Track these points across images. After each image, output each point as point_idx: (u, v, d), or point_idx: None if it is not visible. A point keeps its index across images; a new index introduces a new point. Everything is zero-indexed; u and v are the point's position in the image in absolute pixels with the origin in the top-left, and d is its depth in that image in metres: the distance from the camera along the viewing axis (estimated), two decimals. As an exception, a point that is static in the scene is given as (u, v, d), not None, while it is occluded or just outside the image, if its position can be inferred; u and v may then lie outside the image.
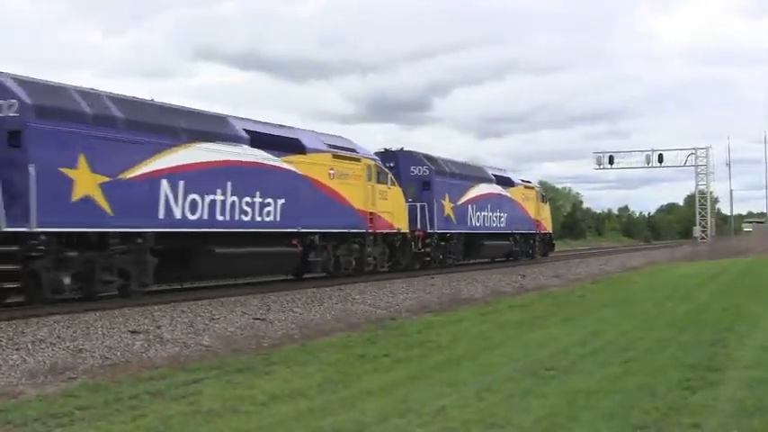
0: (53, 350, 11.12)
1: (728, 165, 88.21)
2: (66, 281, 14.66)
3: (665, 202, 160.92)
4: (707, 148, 79.25)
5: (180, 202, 16.76)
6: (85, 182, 14.62)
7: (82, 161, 14.56)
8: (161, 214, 16.35)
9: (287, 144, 20.61)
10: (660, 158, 79.58)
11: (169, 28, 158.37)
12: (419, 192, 27.82)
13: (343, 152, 23.23)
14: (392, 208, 25.25)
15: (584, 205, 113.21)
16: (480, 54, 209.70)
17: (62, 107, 14.49)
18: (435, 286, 23.06)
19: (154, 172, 16.16)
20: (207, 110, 19.60)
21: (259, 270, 20.79)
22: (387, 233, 25.20)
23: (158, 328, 13.33)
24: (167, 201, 16.49)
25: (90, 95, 15.52)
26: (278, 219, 19.68)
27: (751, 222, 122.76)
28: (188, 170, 16.97)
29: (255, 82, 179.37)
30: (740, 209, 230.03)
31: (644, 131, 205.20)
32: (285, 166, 20.24)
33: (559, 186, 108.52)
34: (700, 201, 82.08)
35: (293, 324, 14.84)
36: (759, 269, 30.74)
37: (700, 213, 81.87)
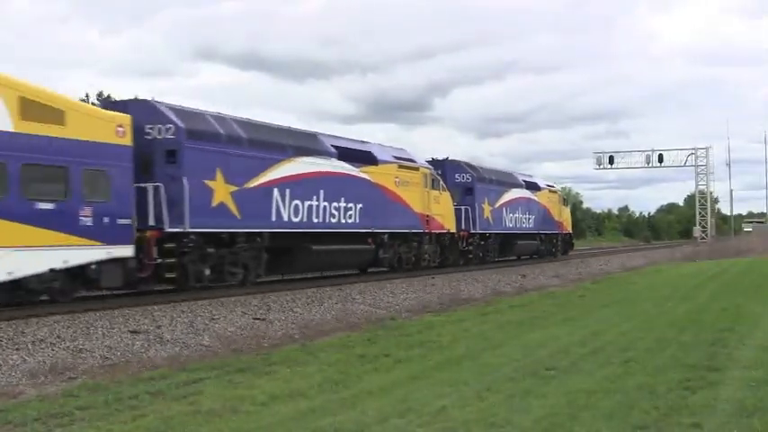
0: (53, 350, 11.12)
1: (728, 165, 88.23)
2: (207, 272, 17.90)
3: (665, 202, 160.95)
4: (707, 148, 79.29)
5: (287, 207, 20.11)
6: (221, 191, 17.95)
7: (218, 174, 17.87)
8: (273, 217, 19.68)
9: (363, 157, 24.23)
10: (660, 158, 79.60)
11: (169, 28, 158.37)
12: (462, 196, 31.29)
13: (406, 162, 26.83)
14: (443, 211, 28.78)
15: (584, 205, 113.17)
16: (480, 54, 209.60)
17: (204, 130, 17.84)
18: (435, 286, 23.06)
19: (268, 182, 19.51)
20: (303, 129, 23.22)
21: (343, 264, 24.38)
22: (439, 233, 28.69)
23: (158, 328, 13.32)
24: (278, 206, 19.81)
25: (221, 119, 18.88)
26: (357, 221, 23.15)
27: (751, 222, 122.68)
28: (292, 180, 20.34)
29: (255, 82, 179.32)
30: (740, 209, 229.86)
31: (644, 131, 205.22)
32: (362, 175, 23.84)
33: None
34: (700, 201, 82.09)
35: (293, 324, 14.84)
36: (759, 269, 30.73)
37: (700, 213, 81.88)
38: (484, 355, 10.60)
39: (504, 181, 36.26)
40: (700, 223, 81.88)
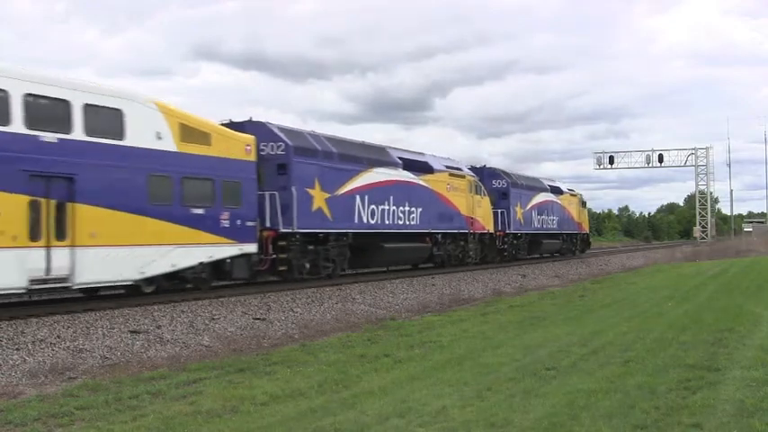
0: (53, 350, 11.13)
1: (728, 165, 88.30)
2: (307, 266, 21.40)
3: (665, 202, 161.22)
4: (707, 148, 79.33)
5: (365, 210, 23.80)
6: (318, 198, 21.52)
7: (316, 183, 21.46)
8: (356, 219, 23.32)
9: (422, 166, 27.89)
10: (660, 158, 79.63)
11: (169, 27, 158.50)
12: (498, 200, 35.01)
13: (454, 170, 30.59)
14: (484, 213, 32.62)
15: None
16: (480, 54, 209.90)
17: (306, 147, 21.50)
18: (435, 286, 23.07)
19: (352, 189, 23.19)
20: (374, 143, 26.95)
21: (406, 260, 27.89)
22: (481, 233, 32.52)
23: (158, 328, 13.32)
24: (359, 210, 23.49)
25: (316, 136, 22.75)
26: (418, 222, 26.80)
27: (751, 222, 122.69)
28: (369, 188, 24.05)
29: (255, 82, 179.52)
30: (740, 209, 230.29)
31: (644, 131, 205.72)
32: (422, 183, 27.50)
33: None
34: (700, 201, 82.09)
35: (293, 324, 14.84)
36: (759, 269, 30.73)
37: (700, 213, 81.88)
38: (484, 355, 10.60)
39: (533, 186, 39.95)
40: (700, 223, 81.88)
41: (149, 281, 16.70)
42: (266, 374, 9.54)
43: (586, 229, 50.48)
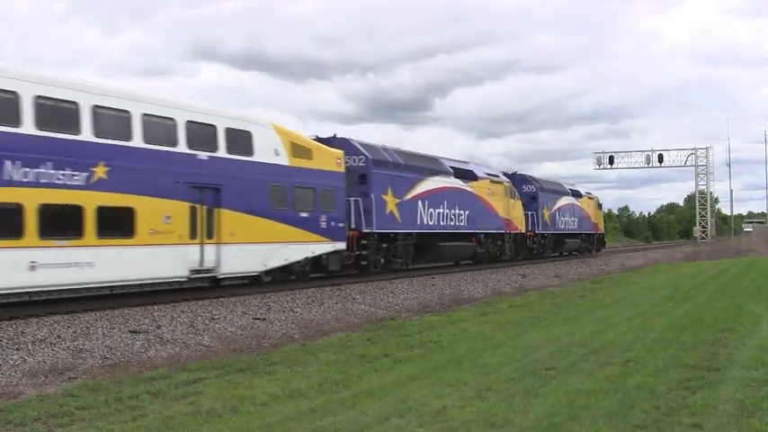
0: (53, 350, 11.12)
1: (728, 165, 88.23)
2: (381, 261, 25.46)
3: (665, 202, 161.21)
4: (707, 148, 79.32)
5: (425, 213, 27.84)
6: (390, 203, 25.69)
7: (389, 190, 25.60)
8: (418, 221, 27.40)
9: (468, 174, 32.17)
10: (660, 158, 79.61)
11: (169, 27, 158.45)
12: (528, 203, 38.93)
13: (494, 177, 35.04)
14: (517, 215, 36.57)
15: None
16: (480, 54, 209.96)
17: (381, 159, 25.64)
18: (435, 286, 23.06)
19: (415, 195, 27.28)
20: (429, 153, 31.12)
21: (455, 257, 32.27)
22: (515, 233, 36.60)
23: (158, 328, 13.32)
24: (421, 213, 27.53)
25: (387, 150, 26.81)
26: (466, 224, 30.97)
27: (751, 222, 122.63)
28: (428, 194, 28.09)
29: (255, 82, 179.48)
30: (740, 209, 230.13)
31: (644, 131, 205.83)
32: (468, 188, 31.57)
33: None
34: (700, 201, 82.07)
35: (293, 324, 14.84)
36: (759, 269, 30.73)
37: (700, 213, 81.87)
38: (484, 355, 10.59)
39: (557, 190, 44.15)
40: (700, 223, 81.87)
41: (268, 272, 20.33)
42: (266, 374, 9.54)
43: (602, 229, 54.84)
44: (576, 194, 47.28)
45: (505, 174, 38.22)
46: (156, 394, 8.46)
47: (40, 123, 14.29)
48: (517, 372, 9.17)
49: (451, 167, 30.94)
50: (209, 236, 17.75)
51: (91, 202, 15.05)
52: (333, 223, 22.26)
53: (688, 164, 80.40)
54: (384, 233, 25.36)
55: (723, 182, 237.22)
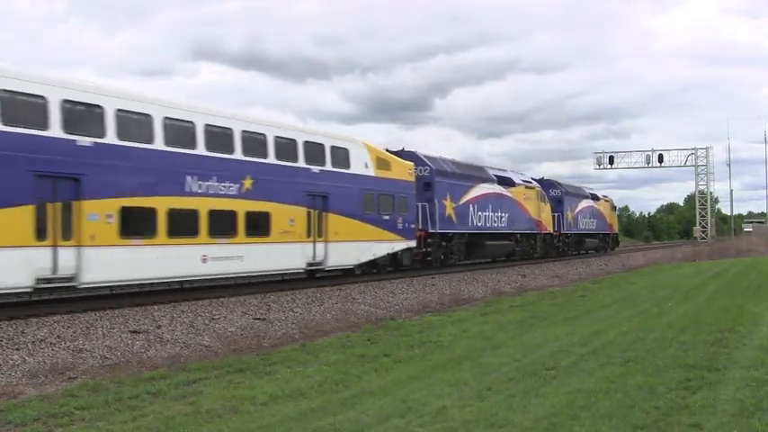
0: (53, 350, 11.12)
1: (728, 165, 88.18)
2: (441, 257, 29.78)
3: (665, 202, 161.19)
4: (707, 148, 79.33)
5: (475, 216, 32.43)
6: (449, 207, 30.00)
7: (448, 196, 30.01)
8: (470, 223, 31.99)
9: (507, 180, 36.82)
10: (660, 158, 79.61)
11: (169, 27, 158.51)
12: (555, 206, 43.41)
13: (527, 183, 39.79)
14: (546, 217, 41.43)
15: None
16: (480, 54, 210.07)
17: (442, 169, 30.18)
18: (435, 286, 23.06)
19: (467, 200, 31.80)
20: (477, 162, 37.67)
21: (499, 254, 36.71)
22: (545, 233, 41.43)
23: (158, 328, 13.32)
24: (471, 216, 32.12)
25: (445, 160, 31.45)
26: (506, 225, 35.67)
27: (751, 222, 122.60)
28: (477, 199, 32.73)
29: (255, 82, 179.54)
30: (740, 209, 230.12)
31: (644, 131, 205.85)
32: (508, 194, 36.23)
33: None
34: (700, 201, 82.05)
35: (293, 324, 14.84)
36: (759, 269, 30.73)
37: (700, 213, 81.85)
38: (484, 355, 10.59)
39: (579, 194, 48.91)
40: (700, 223, 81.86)
41: (359, 266, 24.25)
42: (266, 374, 9.54)
43: (616, 229, 59.87)
44: (595, 198, 52.20)
45: (535, 179, 42.71)
46: (156, 394, 8.45)
47: (209, 146, 18.13)
48: (517, 372, 9.17)
49: (495, 175, 35.82)
50: (320, 235, 21.89)
51: (242, 207, 18.97)
52: (406, 224, 26.46)
53: (688, 164, 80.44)
54: (444, 233, 29.87)
55: (723, 182, 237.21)
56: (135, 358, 11.14)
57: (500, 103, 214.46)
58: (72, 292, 15.49)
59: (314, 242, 21.60)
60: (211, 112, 18.74)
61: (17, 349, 10.99)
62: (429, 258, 28.84)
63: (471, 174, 33.38)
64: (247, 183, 19.14)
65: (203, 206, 17.72)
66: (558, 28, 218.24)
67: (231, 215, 18.61)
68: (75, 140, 15.02)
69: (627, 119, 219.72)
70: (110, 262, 15.44)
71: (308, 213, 21.33)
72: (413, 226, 26.87)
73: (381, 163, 25.38)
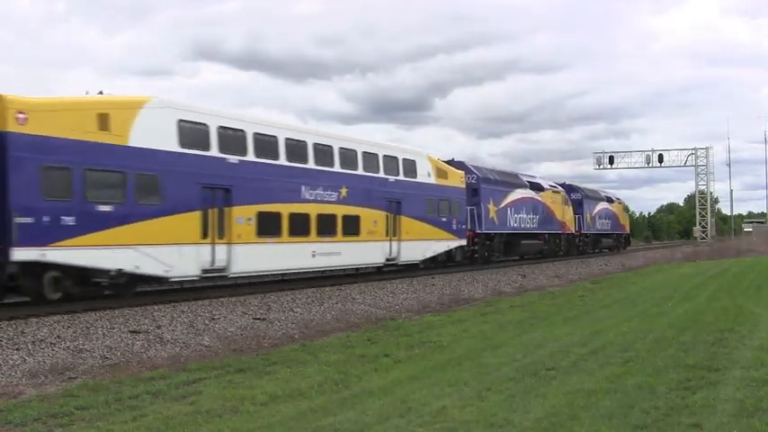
0: (53, 350, 11.12)
1: (728, 165, 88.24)
2: (485, 254, 33.92)
3: (665, 202, 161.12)
4: (707, 148, 79.34)
5: (512, 218, 36.66)
6: (491, 210, 34.18)
7: (491, 200, 34.17)
8: (508, 224, 36.18)
9: (537, 186, 41.29)
10: (660, 158, 79.61)
11: (169, 27, 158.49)
12: (576, 208, 47.47)
13: (554, 188, 44.21)
14: (569, 219, 45.77)
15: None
16: (480, 54, 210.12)
17: (487, 177, 34.51)
18: (435, 286, 23.06)
19: (506, 204, 36.01)
20: (512, 170, 42.82)
21: (531, 252, 40.18)
22: (568, 234, 45.73)
23: (158, 328, 13.32)
24: (509, 218, 36.33)
25: (489, 170, 36.33)
26: (537, 226, 40.08)
27: (751, 222, 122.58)
28: (514, 203, 37.07)
29: (255, 82, 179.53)
30: (740, 209, 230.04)
31: (644, 131, 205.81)
32: (538, 198, 40.57)
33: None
34: (700, 201, 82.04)
35: (293, 324, 14.83)
36: (759, 269, 30.72)
37: (700, 213, 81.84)
38: (484, 355, 10.59)
39: (596, 197, 53.16)
40: (700, 223, 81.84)
41: (423, 261, 28.13)
42: (266, 374, 9.54)
43: (628, 230, 63.76)
44: (610, 200, 56.53)
45: (558, 184, 46.79)
46: (156, 394, 8.45)
47: (316, 161, 22.13)
48: (517, 372, 9.17)
49: (527, 181, 40.22)
50: (394, 234, 26.00)
51: (340, 212, 23.00)
52: (459, 226, 30.45)
53: (688, 164, 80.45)
54: (487, 233, 34.15)
55: (723, 182, 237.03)
56: (135, 358, 11.14)
57: (500, 103, 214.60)
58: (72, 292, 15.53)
59: (390, 241, 25.85)
60: (318, 132, 23.45)
61: (17, 349, 10.99)
62: (476, 255, 33.03)
63: (509, 180, 37.81)
64: (344, 191, 23.28)
65: (313, 211, 21.86)
66: (558, 28, 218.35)
67: (332, 218, 22.71)
68: (226, 158, 18.78)
69: (627, 119, 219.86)
70: (250, 256, 19.18)
71: (386, 216, 25.60)
72: (464, 227, 31.02)
73: (440, 172, 29.51)
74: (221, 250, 18.29)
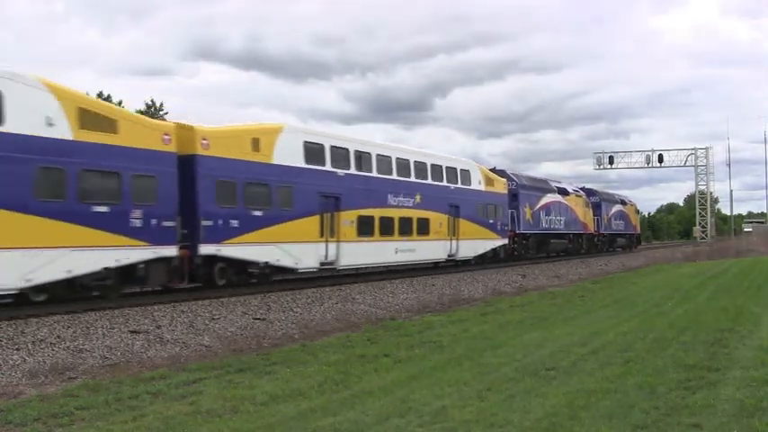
0: (53, 350, 11.12)
1: (728, 165, 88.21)
2: (522, 252, 38.34)
3: (665, 202, 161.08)
4: (707, 148, 79.36)
5: (543, 220, 41.15)
6: (528, 213, 38.80)
7: (527, 204, 38.63)
8: (540, 226, 40.77)
9: (563, 191, 45.66)
10: (660, 158, 79.63)
11: (169, 27, 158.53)
12: (595, 210, 51.80)
13: (577, 192, 48.88)
14: (589, 220, 50.14)
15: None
16: (480, 54, 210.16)
17: (524, 183, 39.32)
18: (435, 286, 23.06)
19: (539, 207, 40.58)
20: (541, 176, 48.08)
21: (558, 250, 44.42)
22: (588, 234, 50.14)
23: (158, 328, 13.32)
24: (542, 219, 40.92)
25: (526, 177, 41.72)
26: (563, 227, 44.27)
27: (751, 222, 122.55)
28: (545, 206, 41.55)
29: (255, 82, 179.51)
30: (740, 209, 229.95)
31: (644, 131, 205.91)
32: (564, 201, 44.85)
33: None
34: (700, 201, 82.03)
35: (293, 324, 14.83)
36: (759, 269, 30.72)
37: (700, 213, 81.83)
38: (484, 355, 10.59)
39: (612, 200, 57.95)
40: (700, 223, 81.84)
41: (475, 258, 32.38)
42: (266, 374, 9.54)
43: (638, 230, 68.44)
44: (623, 203, 61.23)
45: (579, 188, 51.65)
46: (156, 394, 8.45)
47: (398, 173, 26.50)
48: (517, 372, 9.17)
49: (556, 187, 44.89)
50: (454, 234, 30.05)
51: (415, 215, 27.27)
52: (502, 227, 34.77)
53: (688, 164, 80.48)
54: (524, 233, 38.44)
55: (723, 182, 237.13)
56: (135, 358, 11.14)
57: (500, 103, 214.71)
58: (75, 291, 15.57)
59: (451, 240, 29.85)
60: (399, 149, 27.94)
61: (17, 349, 10.99)
62: (515, 253, 37.44)
63: (540, 186, 42.53)
64: (417, 197, 27.55)
65: (396, 214, 26.17)
66: (559, 28, 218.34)
67: (409, 221, 26.94)
68: (336, 172, 23.11)
69: (627, 119, 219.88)
70: (352, 252, 23.49)
71: (448, 219, 29.57)
72: (506, 228, 35.38)
73: (488, 180, 33.74)
74: (332, 247, 22.64)
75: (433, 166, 28.96)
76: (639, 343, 11.18)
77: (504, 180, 35.90)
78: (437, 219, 28.68)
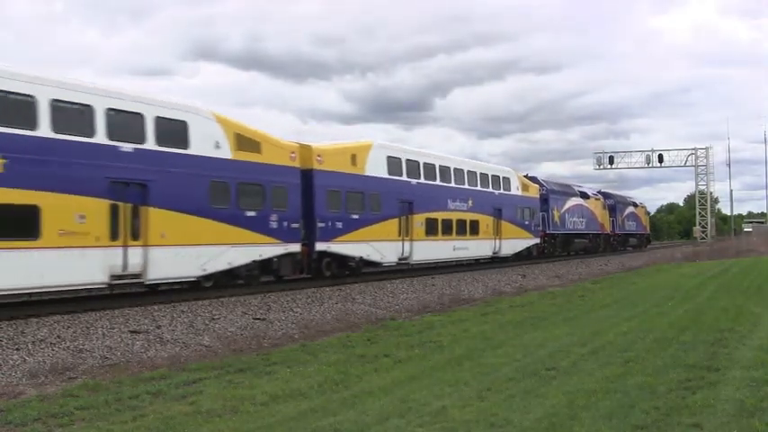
0: (53, 350, 11.12)
1: (728, 165, 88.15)
2: (551, 250, 43.80)
3: (665, 202, 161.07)
4: (707, 148, 79.31)
5: (568, 221, 45.95)
6: (556, 215, 44.13)
7: (555, 207, 43.92)
8: (565, 226, 45.51)
9: (585, 195, 50.60)
10: (660, 158, 79.59)
11: (169, 27, 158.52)
12: (610, 211, 56.21)
13: (596, 195, 53.53)
14: (606, 221, 54.72)
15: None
16: (480, 54, 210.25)
17: (552, 188, 44.66)
18: (435, 286, 23.05)
19: (565, 210, 45.43)
20: (564, 182, 52.98)
21: (579, 248, 48.66)
22: (605, 234, 54.49)
23: (158, 328, 13.32)
24: (566, 220, 45.81)
25: (551, 182, 46.32)
26: (584, 227, 49.16)
27: (751, 222, 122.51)
28: (570, 209, 46.33)
29: (255, 82, 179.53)
30: (740, 209, 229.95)
31: (644, 131, 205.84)
32: (585, 204, 49.72)
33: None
34: (700, 201, 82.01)
35: (293, 324, 14.83)
36: (759, 269, 30.72)
37: (700, 213, 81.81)
38: (484, 355, 10.59)
39: (625, 202, 62.36)
40: (700, 223, 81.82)
41: (513, 255, 36.37)
42: (266, 374, 9.54)
43: (648, 230, 72.20)
44: (635, 205, 65.53)
45: (597, 191, 55.97)
46: (156, 394, 8.45)
47: (455, 180, 30.74)
48: (517, 372, 9.17)
49: (578, 191, 49.72)
50: (497, 235, 34.46)
51: (468, 217, 31.57)
52: (535, 227, 39.39)
53: (688, 164, 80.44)
54: (553, 233, 43.02)
55: (723, 182, 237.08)
56: (135, 358, 11.14)
57: (500, 103, 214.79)
58: (72, 292, 15.57)
59: (495, 239, 34.45)
60: (455, 160, 32.08)
61: (17, 349, 10.99)
62: (545, 251, 41.83)
63: (566, 191, 47.10)
64: (470, 202, 31.87)
65: (454, 217, 30.28)
66: (558, 28, 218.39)
67: (464, 222, 31.21)
68: (410, 181, 27.47)
69: (627, 119, 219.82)
70: (422, 250, 27.49)
71: (493, 221, 34.11)
72: (539, 228, 40.00)
73: (524, 186, 38.63)
74: (407, 245, 26.76)
75: (481, 174, 33.59)
76: (639, 343, 11.18)
77: (537, 186, 40.86)
78: (485, 220, 33.12)
